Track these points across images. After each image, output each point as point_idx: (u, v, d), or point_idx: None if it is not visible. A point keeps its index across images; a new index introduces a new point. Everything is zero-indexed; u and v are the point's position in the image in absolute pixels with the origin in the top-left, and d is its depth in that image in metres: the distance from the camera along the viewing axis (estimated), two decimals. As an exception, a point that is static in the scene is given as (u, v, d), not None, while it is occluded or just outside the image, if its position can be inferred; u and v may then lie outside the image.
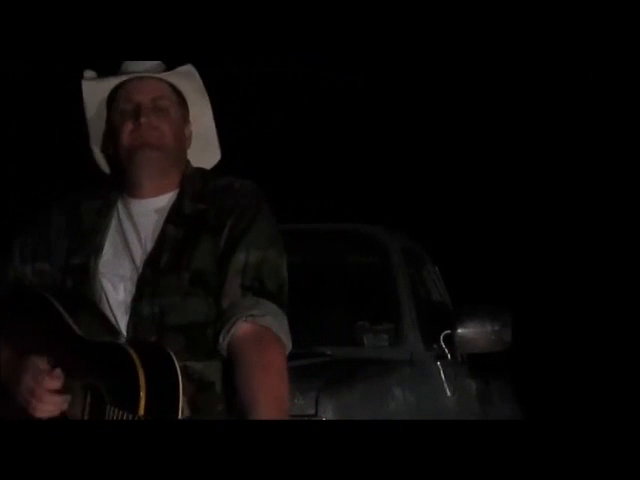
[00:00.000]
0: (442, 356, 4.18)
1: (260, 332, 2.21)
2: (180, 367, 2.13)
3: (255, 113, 8.71)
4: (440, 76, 8.44)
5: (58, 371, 2.21)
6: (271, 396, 2.12)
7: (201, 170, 2.46)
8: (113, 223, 2.39)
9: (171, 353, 2.13)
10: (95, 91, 2.42)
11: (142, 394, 2.05)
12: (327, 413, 3.07)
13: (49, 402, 2.20)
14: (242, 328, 2.21)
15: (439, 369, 4.14)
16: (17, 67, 6.70)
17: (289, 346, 2.26)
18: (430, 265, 4.98)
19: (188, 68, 2.41)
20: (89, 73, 2.42)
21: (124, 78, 2.37)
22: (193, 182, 2.40)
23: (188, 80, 2.42)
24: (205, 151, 2.50)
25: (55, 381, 2.20)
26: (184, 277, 2.28)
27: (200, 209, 2.35)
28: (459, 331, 4.09)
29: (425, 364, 4.06)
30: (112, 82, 2.39)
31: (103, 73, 2.42)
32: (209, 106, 2.47)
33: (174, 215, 2.35)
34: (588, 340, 8.51)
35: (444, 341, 4.15)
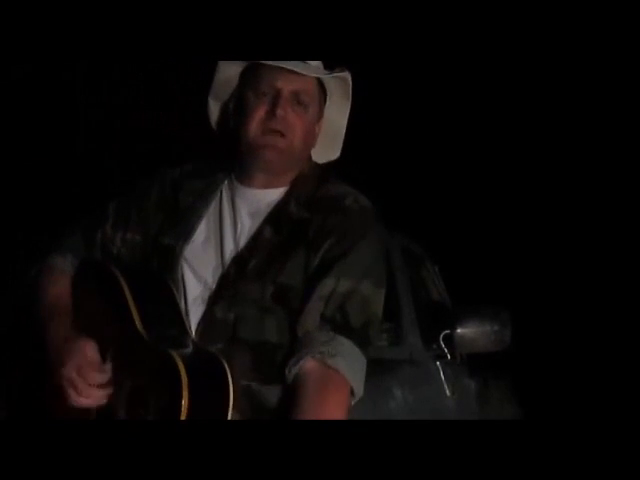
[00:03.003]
0: (442, 356, 4.18)
1: (327, 374, 2.05)
2: (242, 386, 2.05)
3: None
4: (439, 76, 8.44)
5: (105, 367, 2.08)
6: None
7: (317, 170, 2.32)
8: (212, 208, 2.25)
9: (226, 365, 1.99)
10: (235, 63, 2.25)
11: (184, 401, 1.96)
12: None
13: (88, 396, 2.07)
14: (309, 365, 2.06)
15: (438, 369, 4.14)
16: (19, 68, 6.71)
17: (359, 390, 2.11)
18: (430, 265, 4.98)
19: (346, 75, 2.28)
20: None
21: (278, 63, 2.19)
22: (305, 184, 2.25)
23: (339, 82, 2.29)
24: (327, 148, 2.35)
25: (99, 376, 2.07)
26: (267, 289, 2.13)
27: (303, 218, 2.19)
28: (458, 331, 4.09)
29: (424, 364, 4.06)
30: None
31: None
32: (348, 111, 2.35)
33: (275, 217, 2.20)
34: (588, 340, 8.51)
35: (443, 341, 4.15)
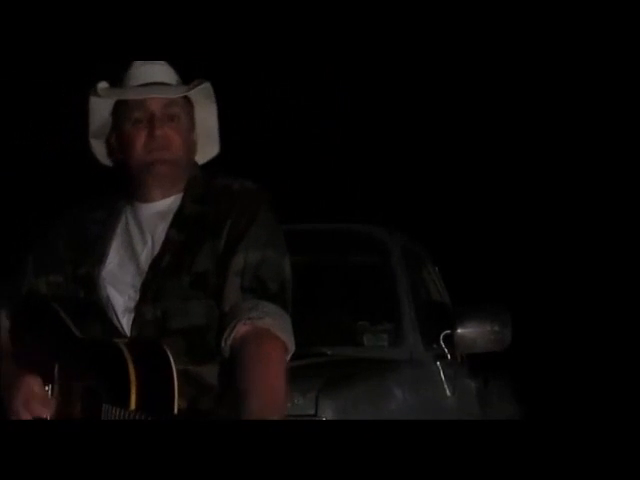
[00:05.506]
0: (442, 356, 4.19)
1: (260, 334, 2.22)
2: (180, 370, 2.15)
3: (256, 112, 8.71)
4: (440, 76, 8.44)
5: (49, 399, 2.29)
6: (266, 385, 2.14)
7: (205, 171, 2.50)
8: (119, 231, 2.43)
9: (167, 350, 2.15)
10: (106, 101, 2.44)
11: (133, 388, 2.08)
12: (327, 413, 3.07)
13: None
14: (242, 330, 2.22)
15: (439, 369, 4.14)
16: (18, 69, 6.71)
17: (291, 345, 2.27)
18: (430, 265, 4.99)
19: (206, 85, 2.44)
20: (102, 84, 2.44)
21: (140, 92, 2.39)
22: (196, 185, 2.44)
23: (202, 90, 2.45)
24: (205, 146, 2.52)
25: (44, 409, 2.28)
26: (185, 280, 2.31)
27: (200, 211, 2.39)
28: (459, 331, 4.09)
29: (425, 364, 4.06)
30: (125, 94, 2.41)
31: (113, 79, 2.44)
32: (215, 109, 2.50)
33: (177, 218, 2.39)
34: (588, 340, 8.51)
35: (444, 341, 4.16)
